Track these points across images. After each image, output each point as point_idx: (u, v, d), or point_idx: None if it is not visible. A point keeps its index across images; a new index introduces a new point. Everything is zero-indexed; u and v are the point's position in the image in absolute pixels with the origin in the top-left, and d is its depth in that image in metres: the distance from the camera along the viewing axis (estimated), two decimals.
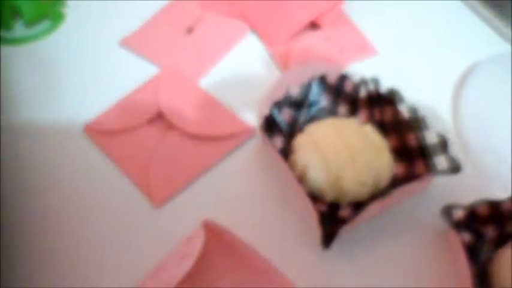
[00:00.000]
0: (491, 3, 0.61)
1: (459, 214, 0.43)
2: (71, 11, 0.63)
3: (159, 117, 0.52)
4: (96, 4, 0.64)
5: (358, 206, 0.44)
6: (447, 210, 0.43)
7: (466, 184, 0.47)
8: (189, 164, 0.49)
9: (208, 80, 0.56)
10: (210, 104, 0.53)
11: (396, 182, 0.46)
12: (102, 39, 0.60)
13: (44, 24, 0.61)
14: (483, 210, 0.42)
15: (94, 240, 0.45)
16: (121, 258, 0.44)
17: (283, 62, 0.57)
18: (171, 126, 0.51)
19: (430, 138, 0.44)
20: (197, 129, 0.51)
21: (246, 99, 0.54)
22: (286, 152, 0.47)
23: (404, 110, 0.46)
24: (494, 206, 0.42)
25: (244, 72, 0.57)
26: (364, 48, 0.58)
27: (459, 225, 0.42)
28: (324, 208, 0.45)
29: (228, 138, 0.51)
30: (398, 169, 0.47)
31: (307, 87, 0.49)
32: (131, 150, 0.50)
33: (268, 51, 0.58)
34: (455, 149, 0.47)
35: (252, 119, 0.51)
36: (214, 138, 0.51)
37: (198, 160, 0.50)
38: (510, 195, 0.42)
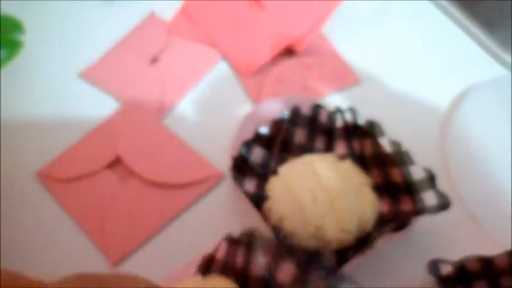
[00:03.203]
0: (486, 25, 0.56)
1: (447, 270, 0.39)
2: (30, 39, 0.56)
3: (118, 162, 0.48)
4: (57, 31, 0.58)
5: (343, 252, 0.40)
6: (434, 265, 0.39)
7: (454, 226, 0.44)
8: (151, 215, 0.45)
9: (174, 116, 0.52)
10: (174, 146, 0.49)
11: (382, 221, 0.42)
12: (61, 70, 0.54)
13: None
14: (474, 266, 0.38)
15: None
16: None
17: (255, 93, 0.52)
18: (131, 172, 0.47)
19: (416, 173, 0.40)
20: (159, 176, 0.46)
21: (216, 136, 0.49)
22: (260, 197, 0.42)
23: (386, 144, 0.42)
24: (486, 262, 0.38)
25: (214, 105, 0.52)
26: (345, 76, 0.53)
27: (447, 282, 0.39)
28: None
29: (194, 184, 0.46)
30: (383, 206, 0.42)
31: (278, 123, 0.45)
32: (87, 200, 0.46)
33: (240, 82, 0.54)
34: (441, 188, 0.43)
35: (223, 160, 0.47)
36: (179, 185, 0.46)
37: (160, 210, 0.45)
38: (504, 251, 0.38)
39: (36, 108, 0.52)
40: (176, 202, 0.46)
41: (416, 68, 0.54)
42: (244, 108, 0.50)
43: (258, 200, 0.42)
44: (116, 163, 0.48)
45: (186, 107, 0.52)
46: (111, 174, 0.47)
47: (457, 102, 0.51)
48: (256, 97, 0.52)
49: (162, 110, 0.51)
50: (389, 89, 0.53)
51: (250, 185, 0.43)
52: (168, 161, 0.48)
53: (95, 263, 0.43)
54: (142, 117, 0.51)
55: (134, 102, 0.52)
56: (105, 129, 0.50)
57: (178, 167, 0.47)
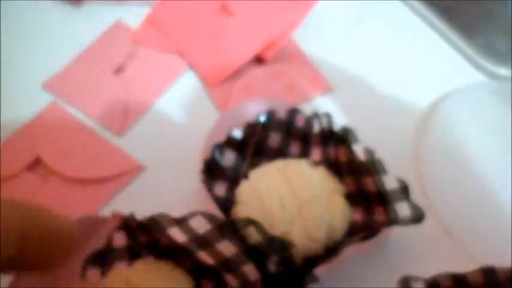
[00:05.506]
0: (464, 31, 0.55)
1: (419, 287, 0.37)
2: None
3: (37, 163, 0.48)
4: (22, 40, 0.56)
5: (311, 262, 0.39)
6: (405, 282, 0.38)
7: (427, 239, 0.43)
8: (73, 212, 0.44)
9: (139, 127, 0.51)
10: (94, 142, 0.49)
11: (354, 231, 0.41)
12: (25, 81, 0.53)
13: None
14: (446, 284, 0.37)
15: None
16: None
17: (222, 103, 0.51)
18: (51, 172, 0.47)
19: (390, 183, 0.39)
20: (79, 173, 0.47)
21: (182, 147, 0.49)
22: (229, 202, 0.42)
23: (359, 152, 0.41)
24: (459, 279, 0.37)
25: (180, 115, 0.51)
26: (316, 84, 0.52)
27: None
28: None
29: (114, 178, 0.47)
30: (356, 216, 0.42)
31: (253, 126, 0.44)
32: None
33: (207, 91, 0.53)
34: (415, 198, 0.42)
35: (190, 170, 0.44)
36: (99, 181, 0.47)
37: (82, 206, 0.46)
38: (478, 267, 0.36)
39: None
40: (97, 196, 0.47)
41: (392, 74, 0.54)
42: (211, 118, 0.48)
43: (227, 205, 0.41)
44: (35, 164, 0.48)
45: (151, 117, 0.52)
46: (31, 176, 0.48)
47: (433, 109, 0.51)
48: (223, 107, 0.51)
49: (127, 120, 0.51)
50: (363, 96, 0.52)
51: (220, 189, 0.42)
52: (88, 157, 0.48)
53: None
54: (64, 119, 0.51)
55: (56, 106, 0.52)
56: (25, 131, 0.50)
57: (98, 162, 0.48)
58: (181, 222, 0.34)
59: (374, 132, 0.45)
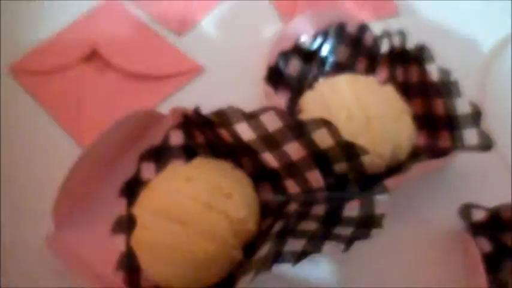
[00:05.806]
0: None
1: (480, 216, 0.36)
2: None
3: (94, 55, 0.47)
4: None
5: (371, 179, 0.37)
6: (466, 210, 0.37)
7: (490, 172, 0.41)
8: (128, 106, 0.43)
9: (197, 31, 0.49)
10: (154, 42, 0.48)
11: (416, 154, 0.39)
12: None
13: None
14: (508, 215, 0.36)
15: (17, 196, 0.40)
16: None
17: (288, 13, 0.49)
18: (107, 65, 0.46)
19: (462, 107, 0.37)
20: (137, 68, 0.46)
21: (242, 51, 0.47)
22: (292, 111, 0.40)
23: (433, 71, 0.39)
24: None
25: (240, 23, 0.50)
26: (382, 6, 0.50)
27: (478, 229, 0.36)
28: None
29: (171, 77, 0.46)
30: (419, 139, 0.40)
31: (321, 37, 0.42)
32: (62, 92, 0.46)
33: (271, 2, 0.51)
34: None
35: (249, 77, 0.43)
36: (156, 78, 0.46)
37: (136, 103, 0.45)
38: None
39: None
40: (154, 93, 0.46)
41: (463, 7, 0.51)
42: (273, 28, 0.47)
43: (290, 113, 0.40)
44: (92, 56, 0.47)
45: (212, 20, 0.50)
46: (87, 67, 0.47)
47: (503, 45, 0.48)
48: (288, 16, 0.49)
49: (185, 24, 0.49)
50: (428, 23, 0.50)
51: (283, 97, 0.41)
52: (146, 54, 0.48)
53: (70, 152, 0.41)
54: (122, 14, 0.50)
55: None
56: (82, 23, 0.50)
57: (156, 59, 0.48)
58: (251, 117, 0.32)
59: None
